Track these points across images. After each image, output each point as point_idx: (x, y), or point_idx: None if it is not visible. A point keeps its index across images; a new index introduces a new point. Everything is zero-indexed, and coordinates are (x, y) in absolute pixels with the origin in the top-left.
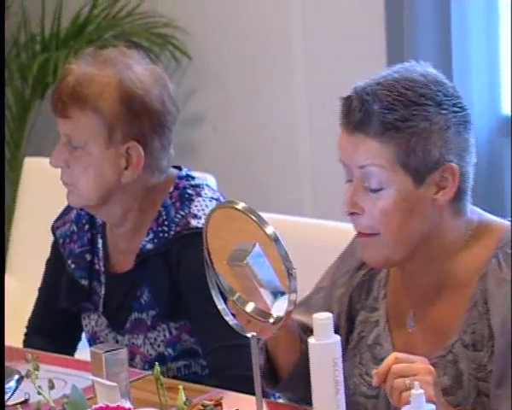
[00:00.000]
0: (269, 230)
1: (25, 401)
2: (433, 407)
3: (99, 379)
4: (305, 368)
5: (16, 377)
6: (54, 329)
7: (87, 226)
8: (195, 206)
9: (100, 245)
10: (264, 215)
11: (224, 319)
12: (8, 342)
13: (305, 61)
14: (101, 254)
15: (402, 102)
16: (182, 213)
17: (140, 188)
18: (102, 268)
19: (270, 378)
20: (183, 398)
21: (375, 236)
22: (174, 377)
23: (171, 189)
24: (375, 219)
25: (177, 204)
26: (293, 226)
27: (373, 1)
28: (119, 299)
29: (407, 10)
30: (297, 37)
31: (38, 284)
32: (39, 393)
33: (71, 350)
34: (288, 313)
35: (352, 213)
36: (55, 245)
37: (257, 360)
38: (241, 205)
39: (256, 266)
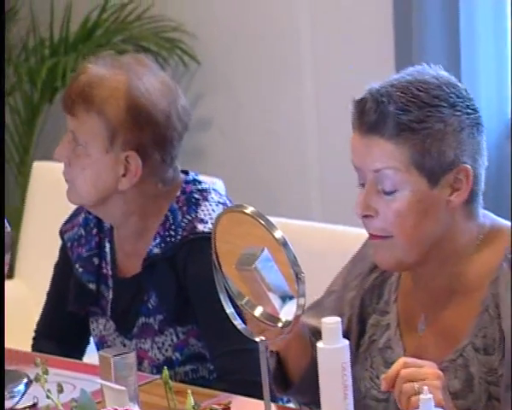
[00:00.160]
0: (277, 234)
1: (33, 405)
2: None
3: (108, 383)
4: (316, 372)
5: (25, 380)
6: (62, 333)
7: (95, 230)
8: (202, 210)
9: (107, 249)
10: (272, 219)
11: (231, 323)
12: (16, 346)
13: (313, 65)
14: (108, 258)
15: (416, 104)
16: (188, 217)
17: (141, 195)
18: (110, 272)
19: (281, 383)
20: (192, 402)
21: (388, 238)
22: (182, 382)
23: (178, 193)
24: (388, 221)
25: (184, 209)
26: (301, 230)
27: (381, 3)
28: (126, 303)
29: (415, 12)
30: (305, 40)
31: (47, 288)
32: (48, 397)
33: (79, 354)
34: (297, 317)
35: (365, 216)
36: (63, 249)
37: (265, 365)
38: (249, 209)
39: (264, 270)
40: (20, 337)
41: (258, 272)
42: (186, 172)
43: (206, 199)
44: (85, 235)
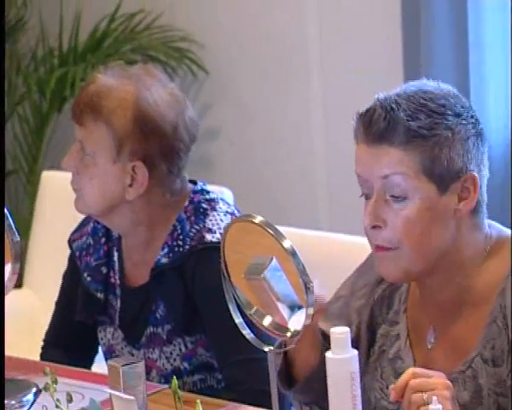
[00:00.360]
0: (286, 243)
1: None
2: None
3: (116, 393)
4: (321, 373)
5: (34, 390)
6: (70, 342)
7: (103, 239)
8: (210, 220)
9: (115, 258)
10: (280, 229)
11: (239, 332)
12: (25, 355)
13: (321, 75)
14: (116, 267)
15: (424, 112)
16: (196, 227)
17: (149, 205)
18: (118, 281)
19: (286, 379)
20: None
21: (394, 250)
22: (190, 391)
23: (186, 203)
24: (397, 230)
25: (192, 218)
26: (309, 240)
27: (390, 11)
28: (134, 312)
29: (424, 13)
30: (313, 51)
31: (55, 297)
32: (57, 406)
33: (88, 363)
34: (306, 326)
35: (373, 227)
36: (71, 258)
37: (274, 374)
38: (258, 219)
39: (273, 279)
40: (29, 346)
41: (266, 281)
42: (194, 182)
43: (214, 209)
44: (94, 244)
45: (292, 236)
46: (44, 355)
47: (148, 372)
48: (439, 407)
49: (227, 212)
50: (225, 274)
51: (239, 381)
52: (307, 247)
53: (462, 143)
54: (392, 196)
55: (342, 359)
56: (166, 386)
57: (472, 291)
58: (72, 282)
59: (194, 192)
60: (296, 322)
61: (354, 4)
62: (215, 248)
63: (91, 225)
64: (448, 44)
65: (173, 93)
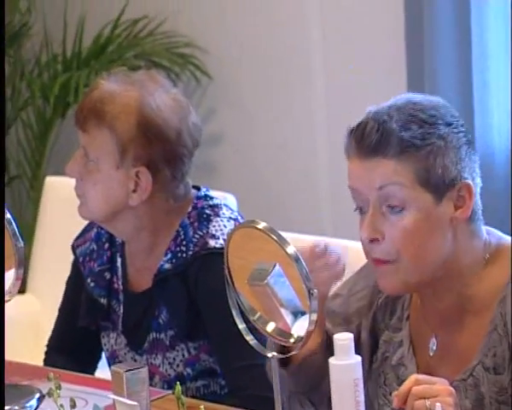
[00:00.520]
0: (290, 249)
1: None
2: None
3: (120, 398)
4: (315, 362)
5: (37, 395)
6: (74, 347)
7: (107, 245)
8: (213, 226)
9: (119, 264)
10: (284, 235)
11: (242, 338)
12: (28, 360)
13: (324, 79)
14: (119, 272)
15: (415, 123)
16: (200, 233)
17: (152, 210)
18: (121, 287)
19: (280, 359)
20: None
21: (392, 263)
22: (193, 397)
23: (190, 209)
24: (395, 242)
25: (196, 224)
26: None
27: (393, 11)
28: (137, 318)
29: (427, 14)
30: (316, 56)
31: (59, 303)
32: None
33: (91, 369)
34: (309, 333)
35: (371, 241)
36: (75, 264)
37: (277, 380)
38: (262, 225)
39: (277, 285)
40: (33, 352)
41: (270, 287)
42: (197, 188)
43: (217, 215)
44: (97, 249)
45: (295, 241)
46: (48, 361)
47: (150, 378)
48: None
49: (230, 218)
50: (229, 280)
51: (242, 387)
52: None
53: (455, 152)
54: (389, 207)
55: (346, 365)
56: (170, 392)
57: (473, 299)
58: (75, 287)
59: (198, 198)
60: (299, 328)
61: (356, 5)
62: (218, 253)
63: (95, 230)
64: (451, 44)
65: (177, 98)
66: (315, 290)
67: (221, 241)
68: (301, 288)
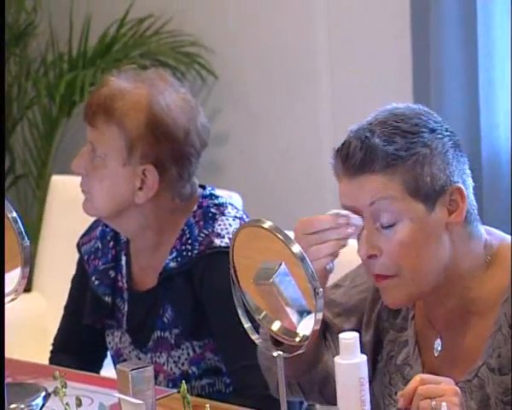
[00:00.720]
0: (295, 248)
1: None
2: None
3: (125, 397)
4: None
5: (43, 394)
6: (79, 346)
7: (112, 243)
8: (219, 225)
9: (123, 262)
10: (289, 234)
11: (247, 337)
12: (34, 359)
13: (330, 80)
14: (124, 271)
15: (398, 134)
16: (205, 232)
17: (158, 209)
18: (125, 285)
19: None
20: None
21: (393, 277)
22: (198, 396)
23: (195, 208)
24: (393, 256)
25: (201, 223)
26: None
27: (399, 11)
28: (141, 317)
29: (433, 13)
30: (322, 55)
31: (64, 301)
32: None
33: (96, 367)
34: (315, 332)
35: (369, 257)
36: (80, 262)
37: (282, 380)
38: (267, 224)
39: (282, 284)
40: (38, 351)
41: (275, 286)
42: (203, 187)
43: (222, 213)
44: (102, 248)
45: None
46: (53, 359)
47: (155, 377)
48: None
49: (236, 216)
50: (234, 279)
51: (247, 386)
52: None
53: (442, 157)
54: (383, 222)
55: (351, 364)
56: (175, 390)
57: (476, 301)
58: (80, 286)
59: (203, 197)
60: (305, 327)
61: (362, 5)
62: (224, 252)
63: (100, 228)
64: (457, 45)
65: (186, 98)
66: (320, 289)
67: (226, 240)
68: (307, 287)
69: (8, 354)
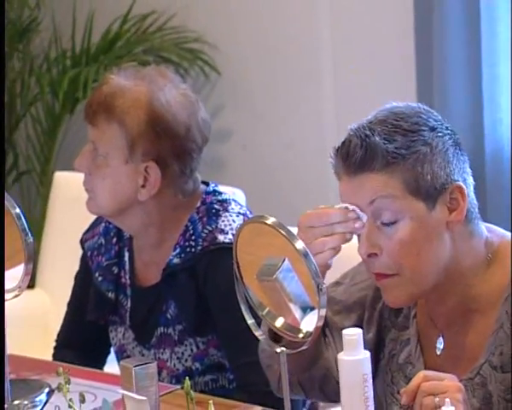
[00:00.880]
0: (298, 245)
1: None
2: None
3: (129, 393)
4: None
5: (47, 390)
6: (82, 342)
7: (115, 239)
8: (222, 221)
9: (126, 258)
10: (292, 230)
11: (251, 333)
12: (38, 355)
13: (333, 77)
14: (127, 267)
15: (398, 133)
16: (209, 228)
17: (161, 206)
18: (128, 281)
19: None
20: None
21: (394, 276)
22: (201, 392)
23: (198, 204)
24: (393, 254)
25: (204, 219)
26: None
27: (402, 10)
28: (144, 313)
29: (436, 13)
30: (325, 52)
31: (68, 298)
32: (70, 406)
33: (100, 363)
34: (318, 328)
35: (369, 255)
36: (83, 258)
37: (286, 376)
38: (270, 220)
39: (285, 280)
40: (42, 347)
41: (279, 282)
42: (206, 184)
43: (226, 210)
44: (105, 244)
45: None
46: (57, 356)
47: (158, 373)
48: (452, 408)
49: (239, 213)
50: (237, 275)
51: (250, 382)
52: None
53: (442, 156)
54: (383, 220)
55: (354, 360)
56: (178, 387)
57: (477, 299)
58: (83, 282)
59: (207, 193)
60: (308, 323)
61: (366, 4)
62: (227, 248)
63: (103, 224)
64: (460, 45)
65: (186, 94)
66: (324, 286)
67: (230, 236)
68: (310, 283)
69: (11, 350)
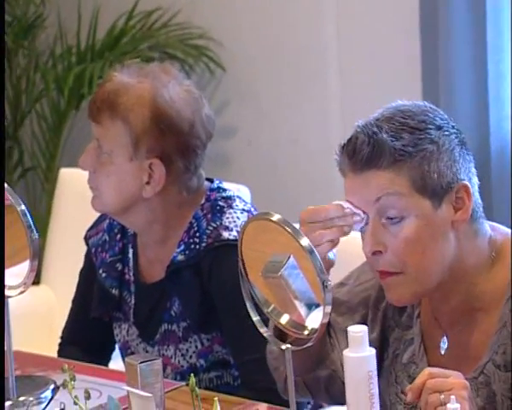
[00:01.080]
0: (304, 241)
1: None
2: None
3: (134, 390)
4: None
5: (52, 386)
6: (87, 339)
7: (119, 236)
8: (227, 218)
9: (130, 255)
10: (297, 227)
11: (256, 330)
12: (43, 352)
13: (339, 73)
14: (131, 263)
15: (405, 130)
16: (213, 224)
17: (165, 203)
18: (132, 278)
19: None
20: (219, 409)
21: (399, 274)
22: (206, 388)
23: (203, 201)
24: (398, 252)
25: (209, 216)
26: None
27: (408, 10)
28: (148, 309)
29: (442, 13)
30: (331, 49)
31: (73, 295)
32: (75, 403)
33: (105, 360)
34: (323, 325)
35: (374, 253)
36: (87, 255)
37: (291, 373)
38: (275, 217)
39: (291, 277)
40: (47, 343)
41: (284, 279)
42: (210, 180)
43: (230, 206)
44: (109, 240)
45: None
46: (62, 352)
47: (163, 369)
48: (457, 405)
49: (244, 209)
50: (242, 272)
51: (255, 379)
52: None
53: (449, 154)
54: (388, 219)
55: (360, 357)
56: (183, 383)
57: (481, 298)
58: (88, 279)
59: (211, 190)
60: (313, 320)
61: (372, 3)
62: (232, 245)
63: (107, 221)
64: (466, 42)
65: (190, 90)
66: (329, 283)
67: (234, 233)
68: (315, 280)
69: (16, 346)
